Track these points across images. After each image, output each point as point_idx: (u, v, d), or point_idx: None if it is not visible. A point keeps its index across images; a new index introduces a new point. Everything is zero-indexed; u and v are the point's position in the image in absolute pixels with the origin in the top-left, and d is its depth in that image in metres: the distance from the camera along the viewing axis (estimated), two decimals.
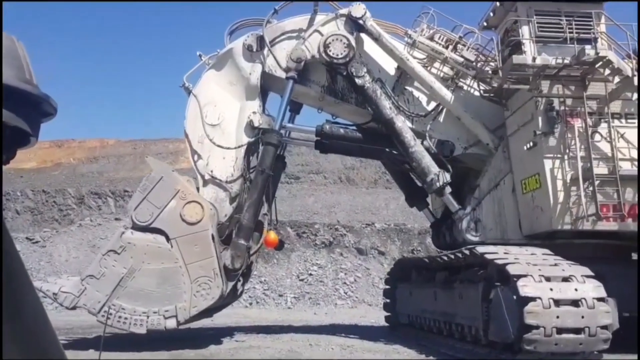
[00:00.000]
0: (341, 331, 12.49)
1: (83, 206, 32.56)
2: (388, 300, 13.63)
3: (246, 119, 10.26)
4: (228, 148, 10.09)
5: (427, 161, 10.17)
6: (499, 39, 10.28)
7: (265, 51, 10.31)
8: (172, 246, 9.33)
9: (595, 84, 9.52)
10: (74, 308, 9.33)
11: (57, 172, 43.14)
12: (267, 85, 10.69)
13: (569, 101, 9.38)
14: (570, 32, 9.60)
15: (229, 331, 12.22)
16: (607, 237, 9.30)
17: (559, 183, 9.05)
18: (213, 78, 10.45)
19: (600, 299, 7.23)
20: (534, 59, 9.38)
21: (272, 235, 10.07)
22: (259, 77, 10.35)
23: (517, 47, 10.10)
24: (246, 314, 17.77)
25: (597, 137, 9.22)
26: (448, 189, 10.18)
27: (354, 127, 11.38)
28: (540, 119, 9.25)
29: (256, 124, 10.20)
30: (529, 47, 9.75)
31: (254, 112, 10.29)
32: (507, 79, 9.62)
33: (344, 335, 11.54)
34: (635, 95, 9.27)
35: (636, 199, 8.96)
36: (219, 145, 10.07)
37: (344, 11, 10.32)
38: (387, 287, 13.94)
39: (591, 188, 8.82)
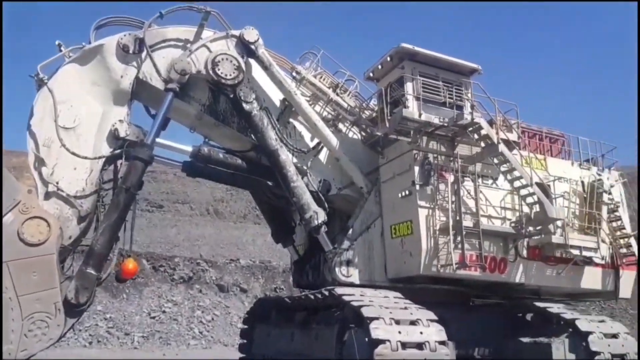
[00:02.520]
0: None
1: None
2: (245, 341, 13.13)
3: (109, 127, 8.83)
4: (85, 157, 8.56)
5: (308, 198, 9.98)
6: (383, 91, 10.75)
7: (144, 55, 9.23)
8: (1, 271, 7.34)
9: (463, 145, 10.60)
10: None
11: None
12: (134, 93, 9.44)
13: (440, 157, 10.29)
14: (450, 97, 10.65)
15: None
16: (456, 284, 10.28)
17: (430, 231, 9.66)
18: (74, 74, 8.83)
19: (442, 342, 7.87)
20: (420, 114, 10.08)
21: (131, 264, 8.70)
22: (131, 82, 9.11)
23: (395, 102, 10.71)
24: (84, 354, 15.70)
25: (464, 192, 10.08)
26: (324, 228, 10.11)
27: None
28: (417, 170, 9.96)
29: (122, 134, 8.84)
30: (412, 104, 10.43)
31: (121, 121, 8.95)
32: (393, 130, 10.18)
33: None
34: (496, 160, 10.23)
35: (493, 252, 10.08)
36: (73, 153, 8.47)
37: (235, 32, 9.84)
38: (245, 327, 13.46)
39: (459, 238, 9.51)
